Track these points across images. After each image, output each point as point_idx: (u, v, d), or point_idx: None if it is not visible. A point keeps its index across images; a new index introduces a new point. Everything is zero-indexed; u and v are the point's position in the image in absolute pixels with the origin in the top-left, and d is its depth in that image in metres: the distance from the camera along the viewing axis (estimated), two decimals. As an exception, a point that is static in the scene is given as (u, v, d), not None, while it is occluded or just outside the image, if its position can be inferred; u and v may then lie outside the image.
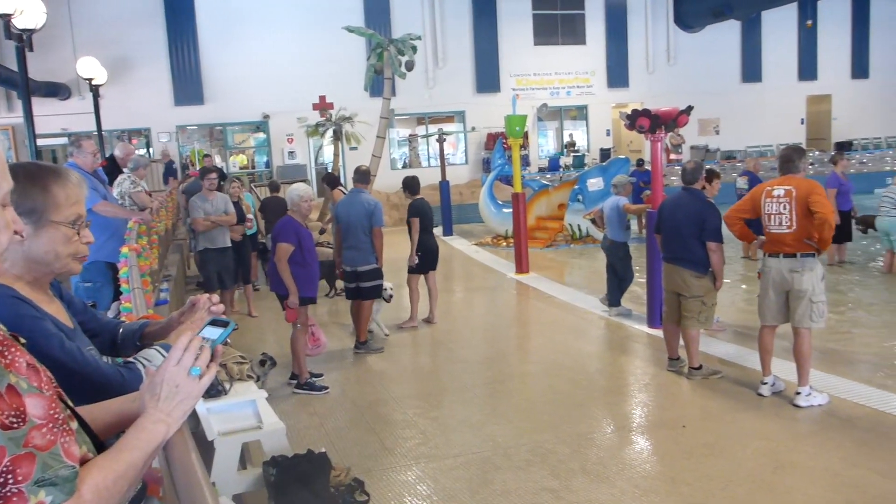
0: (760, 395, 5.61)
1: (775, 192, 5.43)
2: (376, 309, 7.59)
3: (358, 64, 17.96)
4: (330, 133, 16.91)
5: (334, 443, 5.14)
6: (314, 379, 6.39)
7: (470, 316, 8.81)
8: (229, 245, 8.41)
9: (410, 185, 8.31)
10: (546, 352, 7.33)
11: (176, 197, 12.27)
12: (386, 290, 7.52)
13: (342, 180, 19.50)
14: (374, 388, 6.44)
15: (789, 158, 5.55)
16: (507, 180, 15.13)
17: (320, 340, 6.61)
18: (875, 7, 25.84)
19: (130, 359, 1.89)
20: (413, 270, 8.21)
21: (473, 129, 21.00)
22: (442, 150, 17.21)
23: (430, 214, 8.23)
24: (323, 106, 16.97)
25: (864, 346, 7.04)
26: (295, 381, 6.34)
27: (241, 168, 20.84)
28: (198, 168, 15.28)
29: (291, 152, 20.04)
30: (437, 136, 17.26)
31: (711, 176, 7.38)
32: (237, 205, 8.95)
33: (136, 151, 13.61)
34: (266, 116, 19.87)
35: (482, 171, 20.93)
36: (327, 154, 20.31)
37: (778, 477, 4.33)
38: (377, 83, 15.61)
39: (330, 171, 13.47)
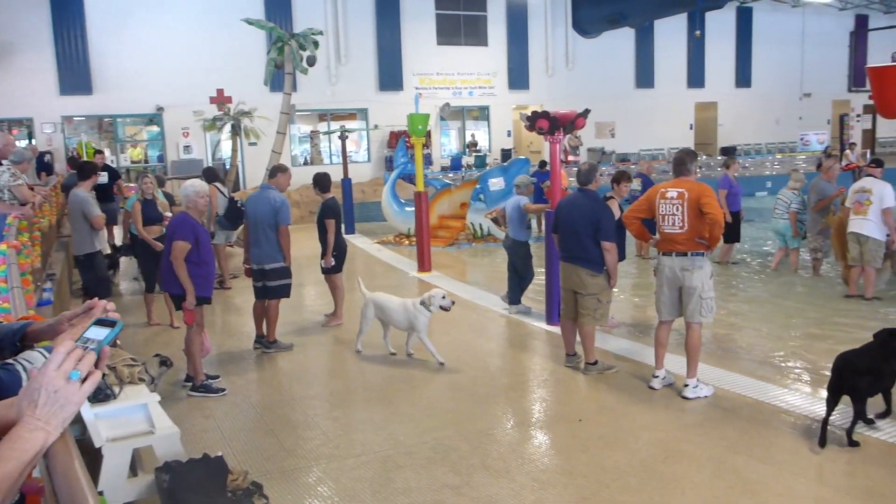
0: (652, 388, 5.85)
1: (669, 194, 5.67)
2: (419, 331, 6.70)
3: (258, 58, 17.57)
4: (228, 128, 16.43)
5: (232, 446, 5.00)
6: (210, 381, 6.20)
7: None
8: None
9: (321, 182, 8.17)
10: (448, 349, 7.37)
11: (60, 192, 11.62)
12: (436, 297, 6.63)
13: (241, 177, 19.16)
14: (274, 389, 6.31)
15: (682, 161, 5.80)
16: (410, 179, 15.16)
17: (205, 344, 6.40)
18: (757, 21, 27.47)
19: (9, 360, 1.76)
20: (329, 271, 8.17)
21: (376, 126, 20.93)
22: (344, 147, 17.03)
23: (341, 213, 8.25)
24: (221, 99, 16.49)
25: (747, 340, 7.44)
26: (190, 384, 6.13)
27: (133, 162, 19.98)
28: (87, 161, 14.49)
29: (187, 147, 19.36)
30: (339, 134, 17.07)
31: (620, 178, 7.66)
32: (151, 202, 8.40)
33: (17, 143, 12.79)
34: (160, 109, 19.12)
35: (385, 169, 20.89)
36: (225, 149, 19.75)
37: (668, 466, 4.52)
38: (278, 78, 15.29)
39: (210, 166, 12.99)
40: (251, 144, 17.19)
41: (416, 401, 5.87)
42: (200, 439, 5.12)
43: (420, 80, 22.09)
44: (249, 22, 14.54)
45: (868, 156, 25.05)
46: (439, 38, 22.38)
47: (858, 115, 30.18)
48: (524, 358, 7.10)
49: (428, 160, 21.20)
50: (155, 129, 20.08)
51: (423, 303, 6.59)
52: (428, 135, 20.21)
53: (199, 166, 18.45)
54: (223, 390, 6.10)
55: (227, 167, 17.34)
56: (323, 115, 22.07)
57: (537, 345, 7.41)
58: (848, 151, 23.75)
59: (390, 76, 21.67)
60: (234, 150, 16.49)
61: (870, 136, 30.56)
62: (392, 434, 5.14)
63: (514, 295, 8.54)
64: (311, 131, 22.34)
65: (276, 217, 7.04)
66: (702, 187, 5.64)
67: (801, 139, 25.94)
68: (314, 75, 17.52)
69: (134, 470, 4.08)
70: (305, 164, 21.73)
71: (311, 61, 14.40)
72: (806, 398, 5.59)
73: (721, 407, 5.47)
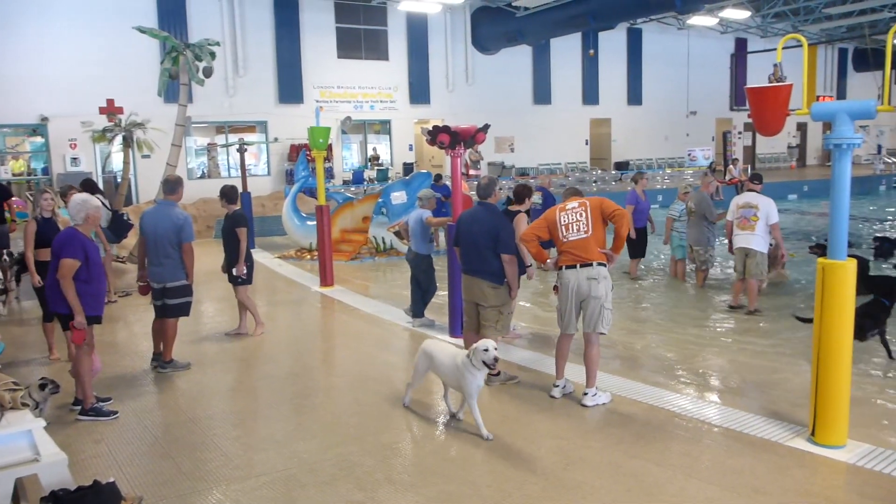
0: (553, 397, 5.99)
1: (569, 206, 5.89)
2: (472, 388, 5.30)
3: (151, 68, 16.98)
4: (119, 139, 15.75)
5: (125, 471, 4.77)
6: (101, 403, 5.90)
7: (273, 330, 8.58)
8: None
9: (230, 194, 8.15)
10: (351, 364, 7.32)
11: None
12: (479, 349, 5.22)
13: (133, 190, 18.39)
14: (170, 410, 6.06)
15: (574, 190, 6.25)
16: (311, 192, 14.97)
17: (95, 364, 6.10)
18: (646, 42, 28.78)
19: None
20: (242, 282, 8.13)
21: (276, 139, 20.59)
22: (243, 160, 16.65)
23: (252, 224, 8.14)
24: (111, 110, 15.78)
25: (642, 349, 7.74)
26: (79, 407, 5.81)
27: (15, 174, 18.85)
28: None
29: (75, 158, 18.42)
30: (237, 146, 16.67)
31: (531, 192, 7.76)
32: (50, 221, 7.53)
33: None
34: (44, 119, 18.13)
35: (285, 182, 20.56)
36: (117, 162, 18.92)
37: (569, 472, 4.64)
38: (172, 89, 14.81)
39: (89, 178, 12.37)
40: (144, 157, 16.55)
41: (320, 417, 5.78)
42: (91, 466, 4.86)
43: (321, 94, 21.91)
44: (142, 30, 14.03)
45: (749, 171, 26.67)
46: (340, 51, 22.29)
47: (740, 133, 32.07)
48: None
49: (329, 174, 21.03)
50: (39, 139, 19.02)
51: (467, 357, 5.28)
52: (329, 148, 20.10)
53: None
54: (115, 413, 5.82)
55: (119, 180, 16.61)
56: (221, 128, 21.52)
57: (441, 357, 7.44)
58: (731, 167, 25.19)
59: (290, 89, 21.38)
60: (125, 162, 15.79)
61: (750, 153, 32.57)
62: (295, 452, 5.04)
63: (418, 308, 8.57)
64: (209, 144, 21.72)
65: (180, 234, 6.82)
66: (599, 198, 5.95)
67: (689, 154, 27.33)
68: (211, 86, 17.08)
69: (17, 501, 3.82)
70: (202, 177, 21.13)
71: (208, 72, 14.03)
72: (696, 402, 5.86)
73: (619, 413, 5.66)
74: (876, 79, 31.17)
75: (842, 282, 4.73)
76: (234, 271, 8.06)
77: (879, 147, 34.25)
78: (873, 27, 28.40)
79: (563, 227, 5.84)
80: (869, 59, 31.72)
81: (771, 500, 4.24)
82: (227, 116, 20.84)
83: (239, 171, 17.25)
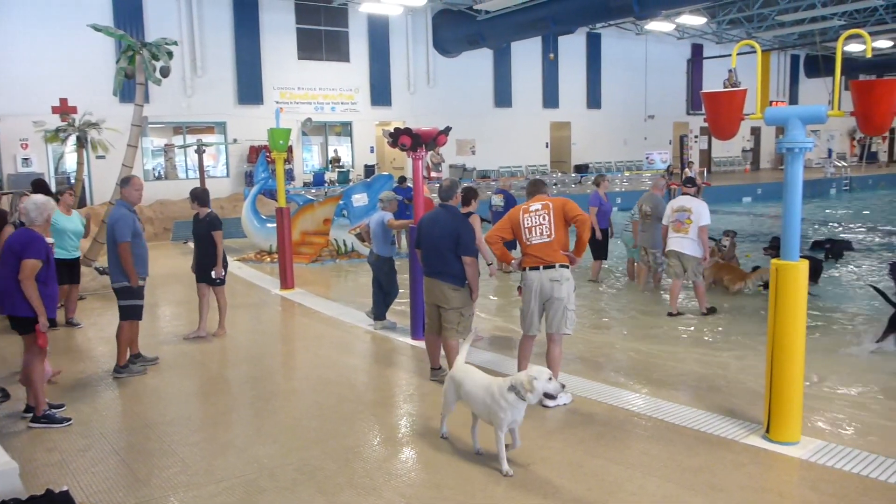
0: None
1: (532, 208, 5.93)
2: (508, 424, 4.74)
3: (106, 67, 16.63)
4: (73, 140, 15.41)
5: (79, 479, 4.67)
6: (54, 410, 5.76)
7: (233, 334, 8.47)
8: None
9: (203, 196, 8.18)
10: (312, 368, 7.27)
11: None
12: (541, 379, 4.59)
13: (87, 191, 17.99)
14: (126, 416, 5.95)
15: (536, 185, 6.22)
16: (271, 194, 14.82)
17: (46, 368, 5.96)
18: (605, 47, 29.14)
19: None
20: (217, 284, 8.19)
21: (235, 141, 20.34)
22: (201, 161, 16.45)
23: None
24: (64, 109, 15.45)
25: (601, 350, 7.82)
26: (31, 414, 5.66)
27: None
28: None
29: (26, 159, 17.96)
30: (195, 147, 16.45)
31: (477, 195, 7.74)
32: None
33: None
34: (-7, 118, 17.63)
35: (245, 184, 20.32)
36: (70, 162, 18.50)
37: (531, 473, 4.66)
38: (128, 88, 14.52)
39: (40, 178, 12.05)
40: (99, 158, 16.20)
41: (280, 421, 5.72)
42: (43, 474, 4.74)
43: (281, 95, 21.72)
44: (97, 28, 13.72)
45: (706, 174, 27.19)
46: (300, 52, 22.12)
47: (696, 137, 32.67)
48: (390, 373, 7.10)
49: (290, 176, 20.85)
50: (-13, 139, 18.49)
51: (513, 388, 4.59)
52: (289, 150, 19.93)
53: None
54: (69, 420, 5.68)
55: (73, 181, 16.25)
56: (178, 128, 21.18)
57: (403, 360, 7.44)
58: (687, 169, 25.64)
59: (250, 89, 21.15)
60: (79, 163, 15.45)
61: (706, 156, 33.17)
62: (255, 457, 4.99)
63: (379, 310, 8.55)
64: (166, 145, 21.36)
65: (113, 234, 6.71)
66: (563, 199, 5.99)
67: (647, 158, 27.73)
68: (169, 86, 16.77)
69: (-36, 513, 3.72)
70: (159, 178, 20.77)
71: (165, 72, 13.77)
72: (654, 402, 5.95)
73: (580, 413, 5.71)
74: (826, 84, 32.04)
75: (794, 282, 4.85)
76: (213, 273, 8.11)
77: (830, 151, 35.21)
78: (824, 34, 29.17)
79: (527, 230, 5.88)
80: (820, 66, 32.58)
81: (727, 496, 4.32)
82: (185, 117, 20.52)
83: (197, 172, 17.02)
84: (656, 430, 5.33)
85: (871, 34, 28.30)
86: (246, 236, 14.83)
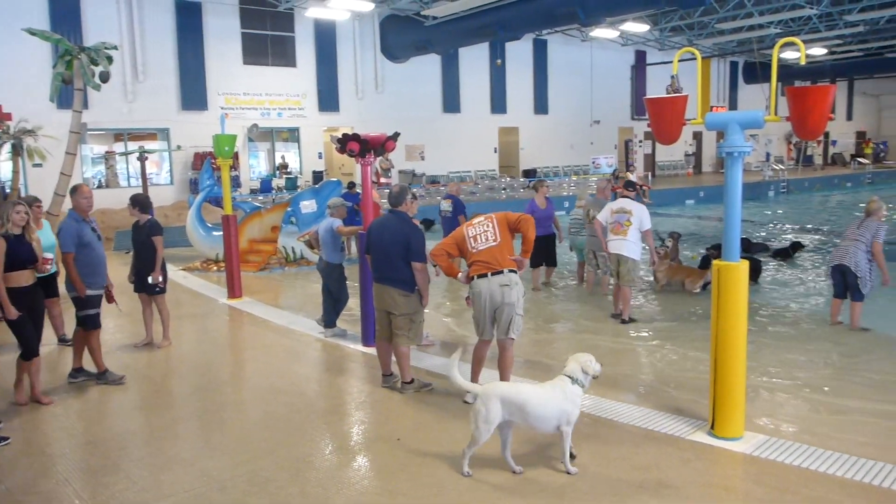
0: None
1: (475, 220, 6.02)
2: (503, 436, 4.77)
3: (43, 72, 16.14)
4: (8, 147, 14.89)
5: (18, 501, 4.51)
6: (-9, 429, 5.55)
7: (179, 345, 8.30)
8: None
9: (144, 203, 8.01)
10: (262, 377, 7.17)
11: None
12: (590, 362, 4.79)
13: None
14: (67, 433, 5.76)
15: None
16: (217, 202, 14.59)
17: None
18: (551, 53, 29.53)
19: None
20: (159, 291, 8.00)
21: (179, 147, 19.95)
22: (144, 169, 16.09)
23: None
24: (-2, 116, 14.90)
25: (551, 353, 7.90)
26: (-34, 434, 5.45)
27: None
28: None
29: (-43, 168, 17.32)
30: (137, 155, 16.08)
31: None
32: (21, 239, 6.08)
33: None
34: (-78, 125, 16.93)
35: (189, 191, 19.95)
36: (5, 171, 17.87)
37: (484, 476, 4.68)
38: (66, 94, 14.13)
39: None
40: (35, 166, 15.70)
41: (229, 432, 5.63)
42: (-21, 495, 4.57)
43: (226, 100, 21.41)
44: (32, 32, 13.33)
45: (650, 177, 27.75)
46: (246, 57, 21.84)
47: (640, 141, 33.32)
48: (341, 381, 7.05)
49: (236, 182, 20.57)
50: (-85, 147, 17.75)
51: (576, 382, 4.69)
52: (235, 156, 19.65)
53: (-28, 189, 16.55)
54: (6, 439, 5.48)
55: (7, 190, 15.70)
56: (119, 135, 20.69)
57: (354, 367, 7.40)
58: (629, 173, 26.14)
59: (194, 95, 20.79)
60: (14, 171, 14.94)
61: (650, 160, 33.86)
62: (204, 470, 4.89)
63: (330, 318, 8.48)
64: (107, 152, 20.84)
65: (62, 244, 6.59)
66: (503, 212, 6.11)
67: (593, 162, 28.12)
68: (109, 92, 16.43)
69: None
70: (100, 186, 20.23)
71: (105, 77, 13.45)
72: (603, 402, 6.03)
73: (530, 416, 5.75)
74: (764, 90, 33.01)
75: (736, 282, 4.98)
76: (150, 279, 7.90)
77: (768, 154, 36.29)
78: (761, 42, 30.11)
79: (472, 239, 5.91)
80: (757, 72, 33.56)
81: (675, 492, 4.41)
82: (127, 123, 20.06)
83: (140, 180, 16.65)
84: (606, 430, 5.41)
85: (805, 42, 29.39)
86: (191, 245, 14.55)
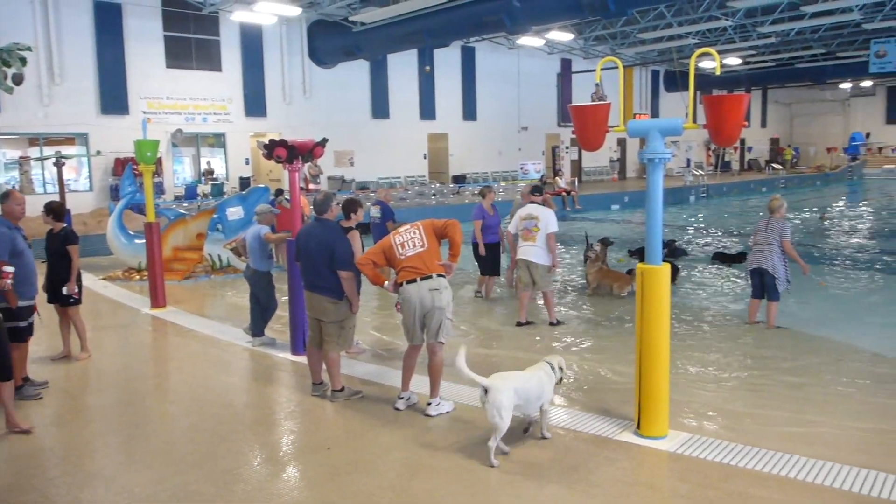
0: (397, 409, 6.02)
1: (402, 229, 6.05)
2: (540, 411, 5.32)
3: (-52, 73, 15.33)
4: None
5: (-78, 525, 4.26)
6: None
7: (100, 357, 7.99)
8: None
9: (59, 210, 7.70)
10: (187, 389, 6.98)
11: None
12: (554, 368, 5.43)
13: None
14: (-23, 452, 5.48)
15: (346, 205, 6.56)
16: (139, 209, 14.15)
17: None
18: (479, 60, 29.81)
19: None
20: (74, 302, 7.69)
21: (98, 153, 19.26)
22: (60, 175, 15.47)
23: None
24: None
25: (482, 357, 7.94)
26: None
27: None
28: None
29: None
30: (54, 160, 15.44)
31: (357, 206, 7.59)
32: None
33: None
34: None
35: (110, 198, 19.27)
36: None
37: (416, 482, 4.68)
38: (-25, 97, 13.50)
39: None
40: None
41: (153, 446, 5.45)
42: None
43: (148, 104, 20.79)
44: (-64, 32, 12.70)
45: (576, 183, 28.31)
46: (169, 60, 21.26)
47: (567, 147, 33.97)
48: (270, 391, 6.93)
49: (159, 189, 19.97)
50: None
51: (549, 363, 5.43)
52: (158, 162, 19.11)
53: None
54: None
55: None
56: (35, 139, 19.82)
57: (283, 376, 7.28)
58: (557, 178, 26.64)
59: (114, 99, 20.10)
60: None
61: (577, 166, 34.55)
62: (126, 486, 4.72)
63: (257, 326, 8.33)
64: (21, 157, 19.93)
65: None
66: (428, 220, 6.15)
67: (521, 168, 28.54)
68: (23, 95, 15.75)
69: None
70: (13, 193, 19.32)
71: (18, 79, 12.93)
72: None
73: (462, 420, 5.79)
74: (683, 98, 34.16)
75: (658, 285, 5.13)
76: (65, 290, 7.56)
77: (688, 160, 37.54)
78: (680, 52, 31.15)
79: (399, 247, 5.92)
80: (677, 81, 34.73)
81: (603, 491, 4.50)
82: (42, 127, 19.24)
83: (56, 186, 16.00)
84: (535, 433, 5.47)
85: (721, 52, 30.54)
86: (112, 253, 14.06)
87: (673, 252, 13.89)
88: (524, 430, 5.43)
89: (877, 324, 9.00)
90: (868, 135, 45.76)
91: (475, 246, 10.60)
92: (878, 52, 28.22)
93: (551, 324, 9.00)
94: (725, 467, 4.79)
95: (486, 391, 4.95)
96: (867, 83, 44.19)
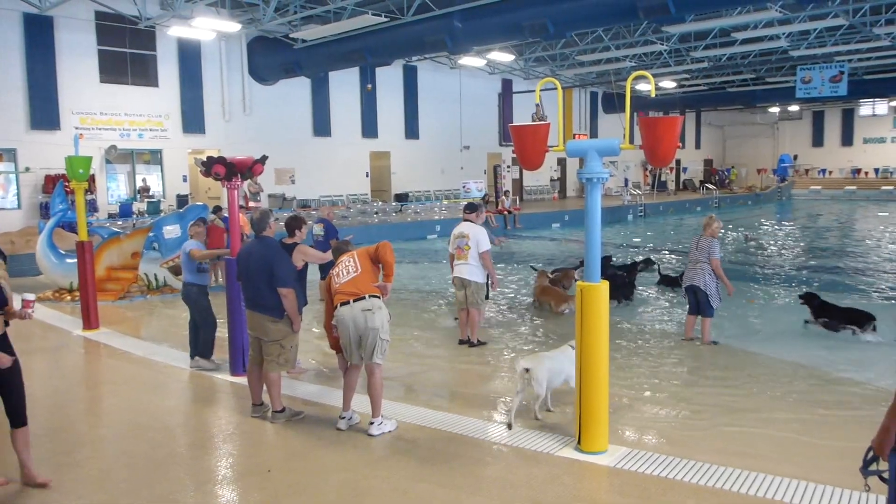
0: (339, 429, 5.96)
1: (340, 261, 6.08)
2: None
3: None
4: None
5: None
6: None
7: (28, 382, 7.62)
8: None
9: None
10: (121, 413, 6.76)
11: None
12: None
13: None
14: None
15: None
16: (71, 227, 13.71)
17: None
18: (421, 79, 29.99)
19: None
20: None
21: (28, 169, 18.62)
22: (-13, 192, 14.89)
23: None
24: None
25: (424, 376, 7.93)
26: None
27: None
28: None
29: None
30: (-20, 177, 14.87)
31: (301, 223, 7.51)
32: None
33: None
34: None
35: (40, 216, 18.61)
36: None
37: (358, 503, 4.63)
38: None
39: None
40: None
41: (85, 474, 5.26)
42: None
43: (81, 120, 20.22)
44: None
45: (518, 202, 28.64)
46: (103, 75, 20.74)
47: (509, 166, 34.35)
48: (208, 413, 6.77)
49: (93, 207, 19.41)
50: None
51: (572, 346, 6.17)
52: (91, 179, 18.58)
53: None
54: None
55: None
56: (-42, 156, 19.07)
57: (222, 397, 7.13)
58: (503, 198, 26.92)
59: (44, 114, 19.48)
60: None
61: (518, 185, 34.97)
62: (54, 516, 4.54)
63: (195, 347, 8.14)
64: (-57, 173, 19.15)
65: None
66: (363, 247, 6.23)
67: (463, 187, 28.67)
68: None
69: None
70: (-66, 211, 18.55)
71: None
72: (476, 423, 6.13)
73: (404, 440, 5.76)
74: (621, 119, 35.01)
75: (597, 302, 5.22)
76: None
77: (626, 180, 38.41)
78: (618, 74, 31.96)
79: (335, 276, 5.96)
80: (615, 102, 35.60)
81: (545, 509, 4.54)
82: (-33, 143, 18.53)
83: (-18, 204, 15.40)
84: (478, 451, 5.49)
85: (657, 76, 31.48)
86: (42, 273, 13.57)
87: (647, 269, 14.14)
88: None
89: (803, 338, 9.33)
90: (796, 157, 47.70)
91: None
92: (804, 78, 29.49)
93: (471, 344, 8.91)
94: (663, 481, 4.89)
95: (527, 370, 6.05)
96: (794, 107, 46.16)
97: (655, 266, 14.11)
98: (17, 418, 5.06)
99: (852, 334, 9.14)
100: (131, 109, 21.31)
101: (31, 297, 5.10)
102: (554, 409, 6.40)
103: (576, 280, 11.34)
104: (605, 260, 13.63)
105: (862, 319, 9.25)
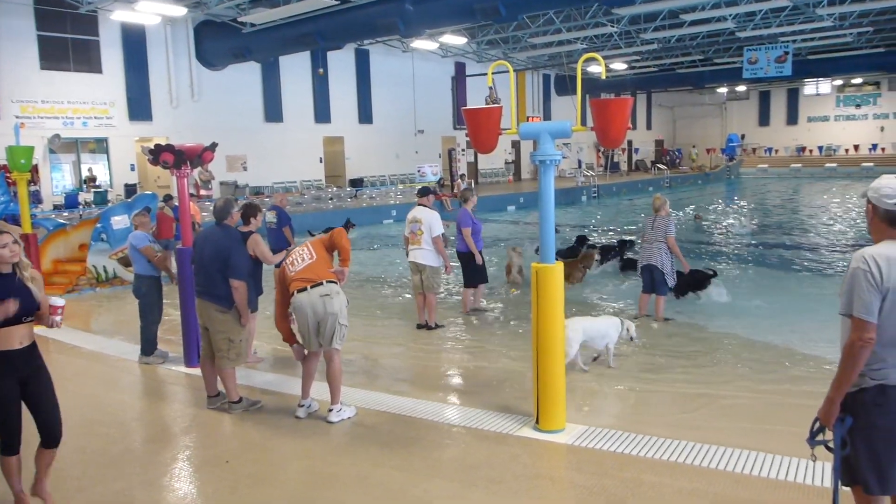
0: (297, 417, 5.92)
1: (296, 250, 6.02)
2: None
3: None
4: None
5: None
6: None
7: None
8: None
9: None
10: (72, 409, 6.58)
11: None
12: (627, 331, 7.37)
13: None
14: None
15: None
16: (14, 219, 13.28)
17: None
18: (374, 63, 29.76)
19: None
20: None
21: (-34, 160, 17.99)
22: (-77, 185, 14.33)
23: None
24: None
25: (381, 361, 7.92)
26: None
27: None
28: None
29: None
30: (-85, 169, 14.31)
31: (256, 211, 7.37)
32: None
33: None
34: None
35: (-19, 209, 18.01)
36: None
37: (318, 491, 4.61)
38: None
39: None
40: None
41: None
42: None
43: (21, 108, 19.58)
44: None
45: (473, 185, 28.69)
46: (43, 62, 20.10)
47: (463, 150, 34.36)
48: (163, 406, 6.66)
49: (36, 198, 18.87)
50: None
51: (621, 320, 7.43)
52: (34, 169, 18.02)
53: None
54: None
55: None
56: None
57: (177, 390, 7.02)
58: (459, 181, 26.94)
59: (-18, 103, 18.83)
60: None
61: (473, 168, 35.02)
62: (5, 516, 4.43)
63: (147, 344, 7.95)
64: None
65: None
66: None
67: (419, 171, 28.64)
68: None
69: None
70: None
71: None
72: (434, 406, 6.16)
73: (364, 425, 5.75)
74: (573, 101, 35.24)
75: (552, 282, 5.26)
76: None
77: (580, 162, 38.81)
78: (570, 56, 32.13)
79: (290, 265, 5.88)
80: (567, 85, 35.81)
81: (505, 487, 4.58)
82: None
83: (-82, 197, 14.79)
84: (437, 434, 5.51)
85: (607, 58, 31.74)
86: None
87: (624, 251, 13.91)
88: (594, 358, 7.36)
89: (752, 312, 9.57)
90: (743, 136, 48.72)
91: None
92: (751, 59, 30.09)
93: (429, 327, 8.97)
94: (620, 456, 4.98)
95: None
96: (741, 88, 47.07)
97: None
98: (49, 439, 4.52)
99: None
100: (74, 97, 20.72)
101: (60, 301, 4.51)
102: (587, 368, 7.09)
103: (596, 260, 12.33)
104: (581, 239, 13.90)
105: (704, 281, 10.13)
